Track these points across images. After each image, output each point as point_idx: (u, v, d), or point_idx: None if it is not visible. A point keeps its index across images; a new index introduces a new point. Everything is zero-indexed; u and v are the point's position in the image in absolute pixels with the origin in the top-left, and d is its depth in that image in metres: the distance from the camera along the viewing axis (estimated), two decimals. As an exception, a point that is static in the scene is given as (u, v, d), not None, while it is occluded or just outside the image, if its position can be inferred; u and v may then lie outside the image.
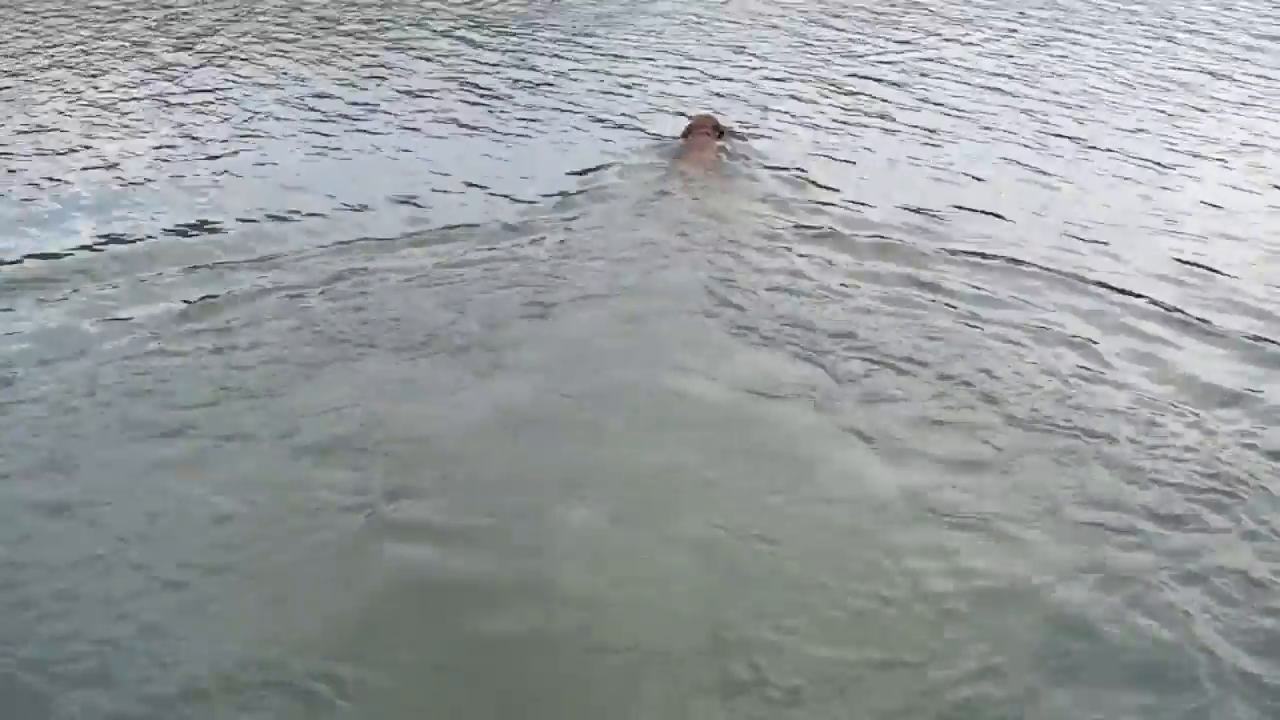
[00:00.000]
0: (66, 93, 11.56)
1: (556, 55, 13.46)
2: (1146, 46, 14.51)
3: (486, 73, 12.64)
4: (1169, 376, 5.98)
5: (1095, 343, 6.31)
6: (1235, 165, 9.87)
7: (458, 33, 14.65)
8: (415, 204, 8.63)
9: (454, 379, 5.84)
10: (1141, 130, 10.74)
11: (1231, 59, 13.81)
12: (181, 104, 11.27)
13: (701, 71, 12.72)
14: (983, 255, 7.56)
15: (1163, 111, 11.41)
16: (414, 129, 10.58)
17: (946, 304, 6.83)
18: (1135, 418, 5.53)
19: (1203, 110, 11.44)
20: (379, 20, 15.43)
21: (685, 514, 4.73)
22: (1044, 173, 9.56)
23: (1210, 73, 13.08)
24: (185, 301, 6.70)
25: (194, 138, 10.16)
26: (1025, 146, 10.24)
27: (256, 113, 10.97)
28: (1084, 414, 5.51)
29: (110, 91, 11.66)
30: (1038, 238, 8.03)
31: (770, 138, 10.21)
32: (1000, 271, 7.35)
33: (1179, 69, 13.28)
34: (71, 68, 12.65)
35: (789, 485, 4.94)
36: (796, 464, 5.14)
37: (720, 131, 9.47)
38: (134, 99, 11.36)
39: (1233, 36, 15.12)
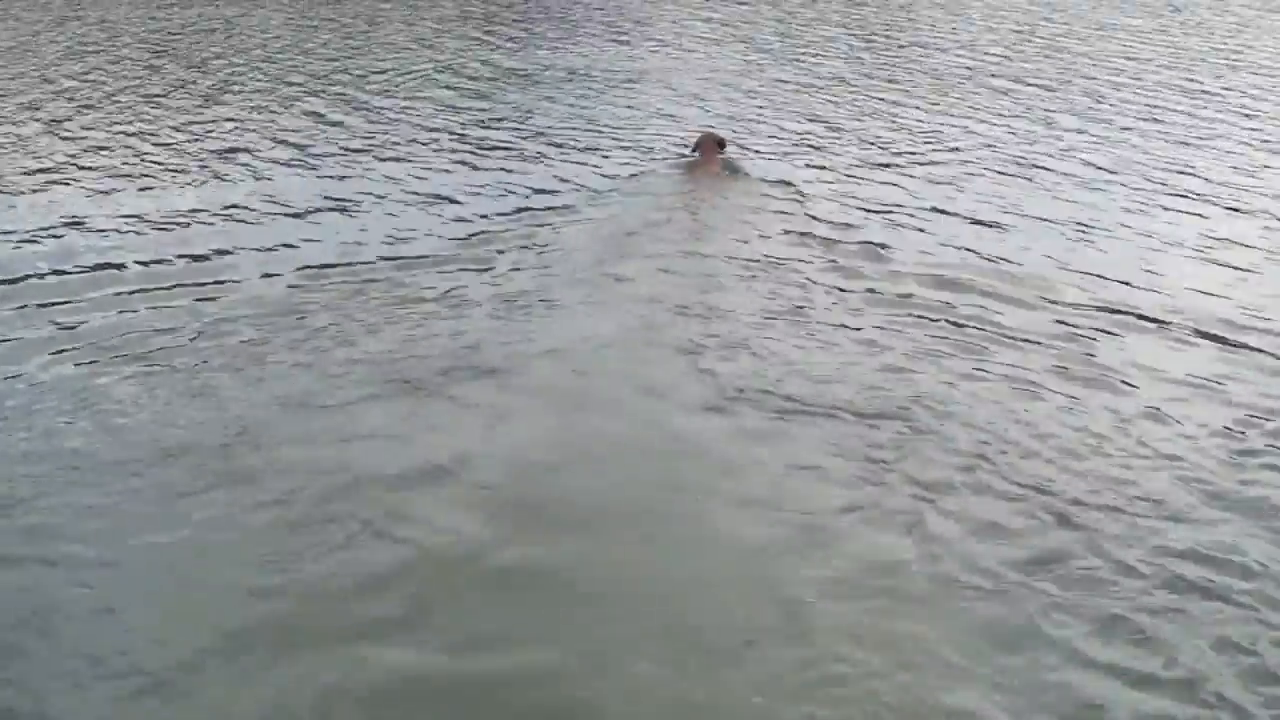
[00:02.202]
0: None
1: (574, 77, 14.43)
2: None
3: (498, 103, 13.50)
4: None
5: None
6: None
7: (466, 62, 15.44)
8: (454, 218, 9.17)
9: (450, 419, 5.83)
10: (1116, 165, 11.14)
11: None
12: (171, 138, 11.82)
13: (700, 95, 13.73)
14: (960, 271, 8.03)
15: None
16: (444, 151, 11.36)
17: (929, 317, 7.17)
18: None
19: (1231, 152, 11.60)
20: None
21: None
22: (1032, 182, 10.38)
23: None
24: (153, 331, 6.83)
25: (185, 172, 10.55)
26: (1018, 160, 11.09)
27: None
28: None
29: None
30: (1021, 245, 8.57)
31: (763, 152, 11.33)
32: (993, 281, 7.80)
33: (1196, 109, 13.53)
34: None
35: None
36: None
37: (723, 145, 10.81)
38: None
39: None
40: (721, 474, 5.35)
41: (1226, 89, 14.08)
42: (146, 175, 10.22)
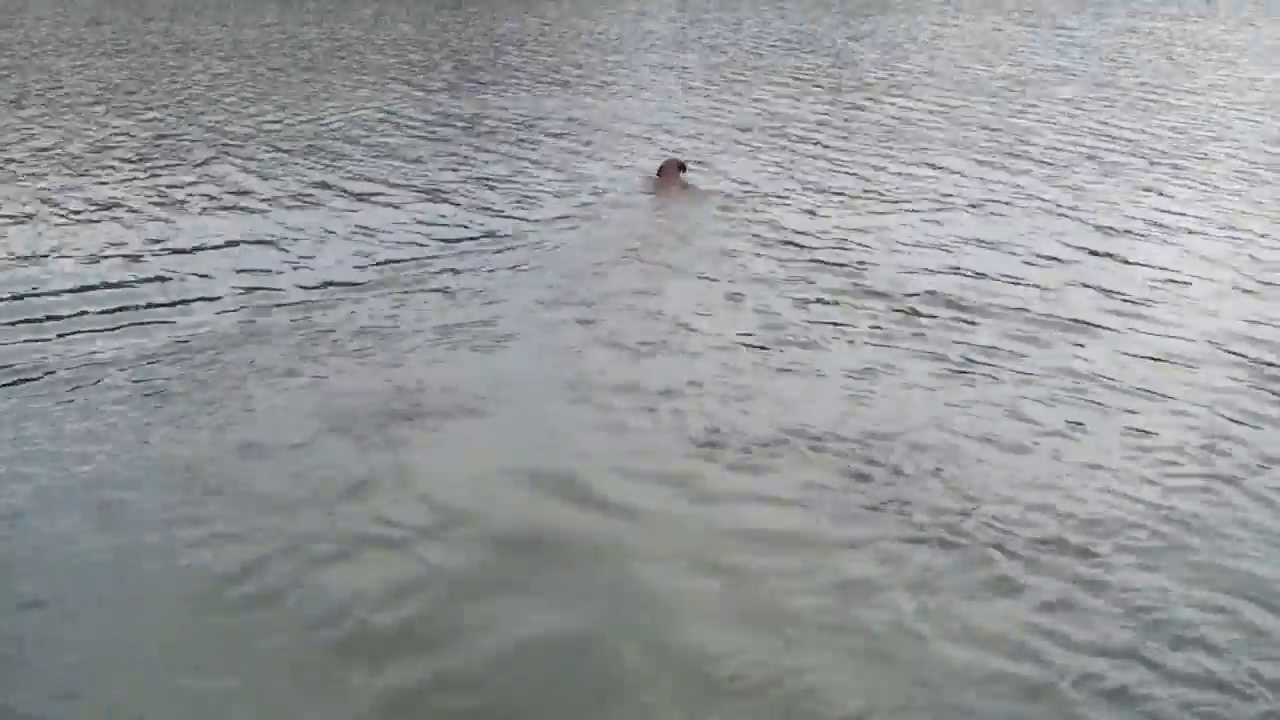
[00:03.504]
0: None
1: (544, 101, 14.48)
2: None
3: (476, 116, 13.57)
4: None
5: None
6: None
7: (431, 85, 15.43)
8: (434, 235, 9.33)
9: (397, 462, 5.66)
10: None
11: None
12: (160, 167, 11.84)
13: (663, 123, 13.92)
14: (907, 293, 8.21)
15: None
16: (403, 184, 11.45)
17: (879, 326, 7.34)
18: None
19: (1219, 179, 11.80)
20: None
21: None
22: (989, 211, 10.63)
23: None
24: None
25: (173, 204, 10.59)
26: (975, 191, 11.42)
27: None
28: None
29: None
30: (986, 270, 8.63)
31: (723, 173, 11.55)
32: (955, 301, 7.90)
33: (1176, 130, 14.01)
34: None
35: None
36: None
37: (684, 168, 11.11)
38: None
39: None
40: (695, 512, 5.21)
41: (1168, 129, 14.47)
42: (84, 216, 10.03)
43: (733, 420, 6.05)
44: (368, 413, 6.09)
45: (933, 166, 11.94)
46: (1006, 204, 10.54)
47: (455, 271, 8.42)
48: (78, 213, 10.08)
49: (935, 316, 7.58)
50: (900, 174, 11.60)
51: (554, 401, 6.31)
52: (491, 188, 10.95)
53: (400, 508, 5.19)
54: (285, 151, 12.51)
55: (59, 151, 12.56)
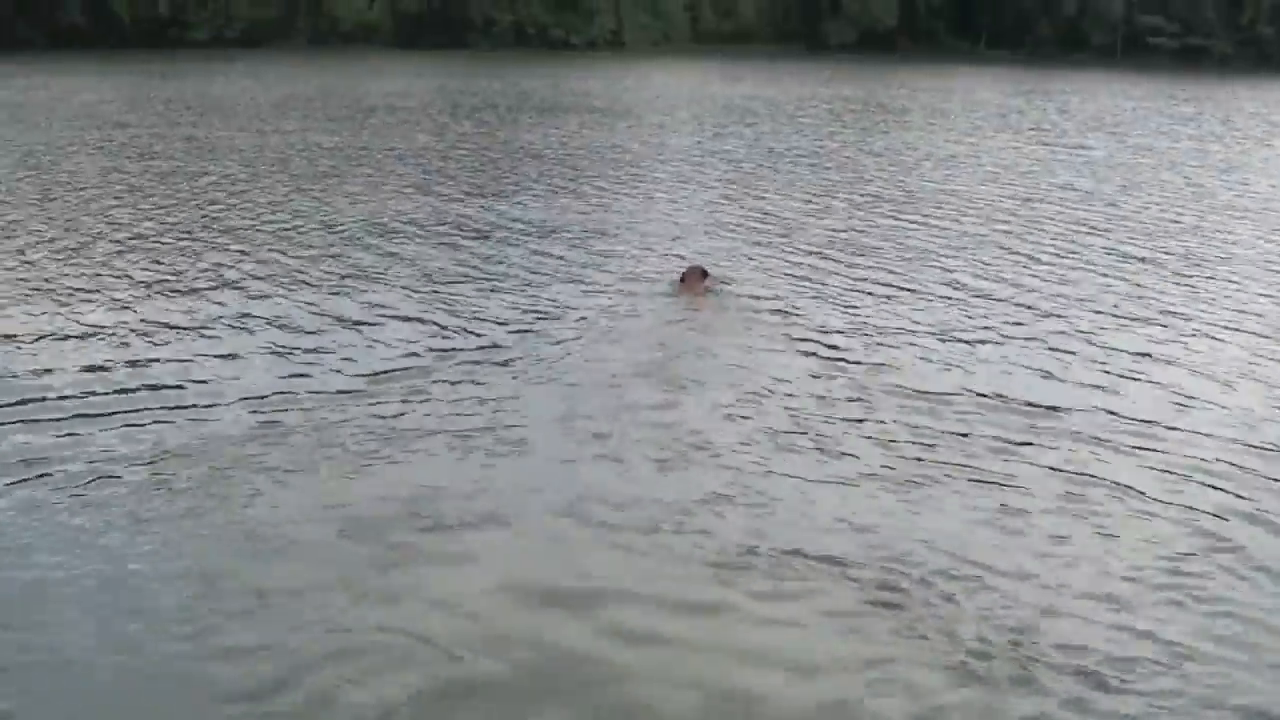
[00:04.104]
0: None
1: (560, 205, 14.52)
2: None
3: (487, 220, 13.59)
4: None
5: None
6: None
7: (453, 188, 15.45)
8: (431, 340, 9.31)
9: (408, 575, 5.59)
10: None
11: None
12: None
13: (683, 233, 13.87)
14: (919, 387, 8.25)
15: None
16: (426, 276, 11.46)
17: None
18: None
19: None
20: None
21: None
22: (1020, 307, 10.62)
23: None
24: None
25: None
26: (997, 289, 11.36)
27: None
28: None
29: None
30: (1011, 371, 8.70)
31: (747, 280, 11.48)
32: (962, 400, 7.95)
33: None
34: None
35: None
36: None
37: (706, 275, 11.06)
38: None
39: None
40: (711, 636, 5.10)
41: (1182, 248, 14.44)
42: (99, 315, 9.99)
43: (752, 537, 5.92)
44: (380, 520, 6.00)
45: (951, 284, 11.84)
46: (1019, 322, 10.37)
47: (471, 378, 8.31)
48: (93, 307, 10.07)
49: (964, 433, 7.45)
50: (917, 290, 11.46)
51: (568, 516, 6.17)
52: (508, 294, 10.86)
53: (412, 620, 5.10)
54: (301, 255, 12.48)
55: (77, 248, 12.58)
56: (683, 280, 10.94)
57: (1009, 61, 69.88)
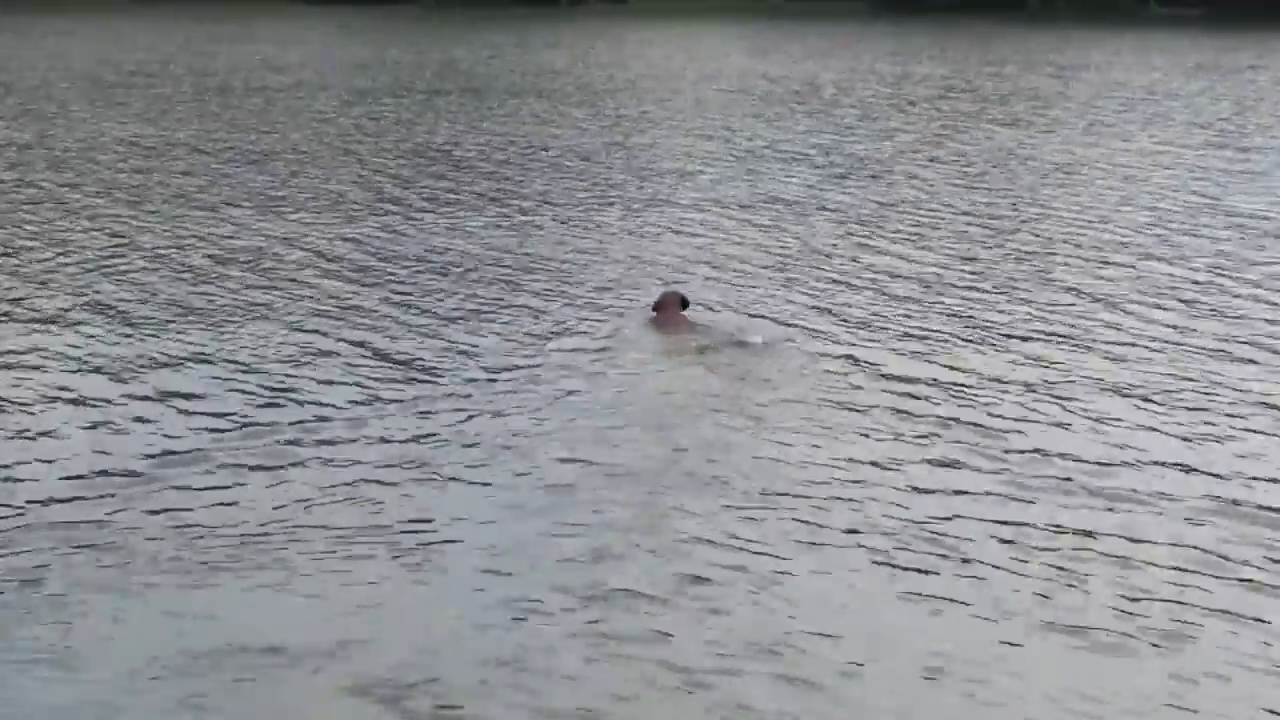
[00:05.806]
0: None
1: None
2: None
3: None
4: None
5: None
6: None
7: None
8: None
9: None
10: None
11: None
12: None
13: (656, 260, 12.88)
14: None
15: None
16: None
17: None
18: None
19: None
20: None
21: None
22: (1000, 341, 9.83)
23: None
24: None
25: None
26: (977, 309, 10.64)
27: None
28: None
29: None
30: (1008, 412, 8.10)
31: (723, 306, 10.72)
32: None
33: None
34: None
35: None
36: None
37: (685, 304, 10.18)
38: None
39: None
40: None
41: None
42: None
43: (735, 620, 5.42)
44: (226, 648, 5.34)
45: (954, 274, 11.13)
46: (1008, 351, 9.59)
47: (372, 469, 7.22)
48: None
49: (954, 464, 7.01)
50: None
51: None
52: (464, 329, 9.94)
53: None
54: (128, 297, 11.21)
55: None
56: (657, 310, 9.86)
57: (1185, 23, 55.51)
